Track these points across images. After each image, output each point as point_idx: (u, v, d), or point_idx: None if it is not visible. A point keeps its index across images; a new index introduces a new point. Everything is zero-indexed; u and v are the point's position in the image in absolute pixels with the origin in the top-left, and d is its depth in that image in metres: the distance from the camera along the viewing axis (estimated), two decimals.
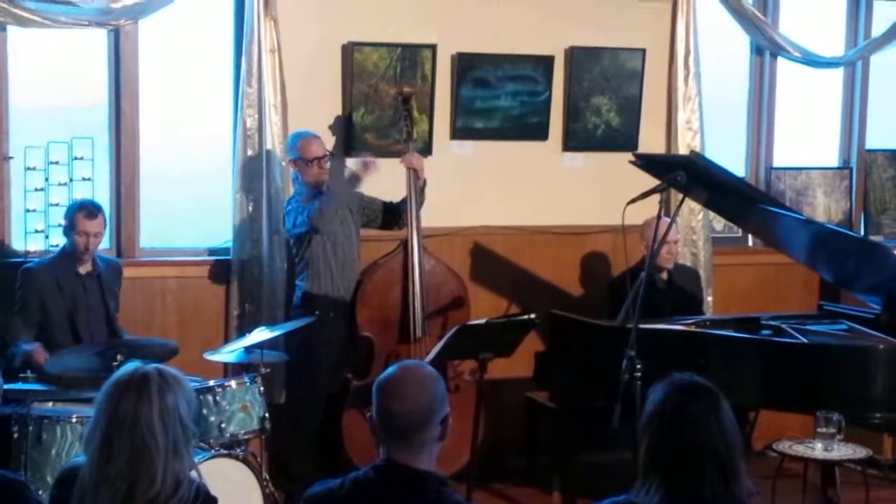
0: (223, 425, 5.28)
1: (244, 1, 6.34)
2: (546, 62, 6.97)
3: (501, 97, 6.91)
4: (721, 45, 7.57)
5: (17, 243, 6.19)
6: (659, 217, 5.29)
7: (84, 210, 5.63)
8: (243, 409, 5.36)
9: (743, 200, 5.91)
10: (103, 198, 6.21)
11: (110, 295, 5.78)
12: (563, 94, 7.07)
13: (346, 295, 6.19)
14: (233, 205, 6.46)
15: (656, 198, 5.26)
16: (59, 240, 5.98)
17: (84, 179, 6.20)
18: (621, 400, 4.86)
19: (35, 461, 4.83)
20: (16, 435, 4.86)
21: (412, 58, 6.68)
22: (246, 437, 5.42)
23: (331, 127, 6.60)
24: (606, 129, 7.17)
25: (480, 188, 6.98)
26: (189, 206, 6.68)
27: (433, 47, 6.71)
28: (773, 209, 5.87)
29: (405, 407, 2.93)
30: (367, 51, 6.60)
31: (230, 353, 5.64)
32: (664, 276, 6.61)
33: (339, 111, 6.65)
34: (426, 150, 6.75)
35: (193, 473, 3.09)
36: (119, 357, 4.86)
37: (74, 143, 6.20)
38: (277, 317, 6.33)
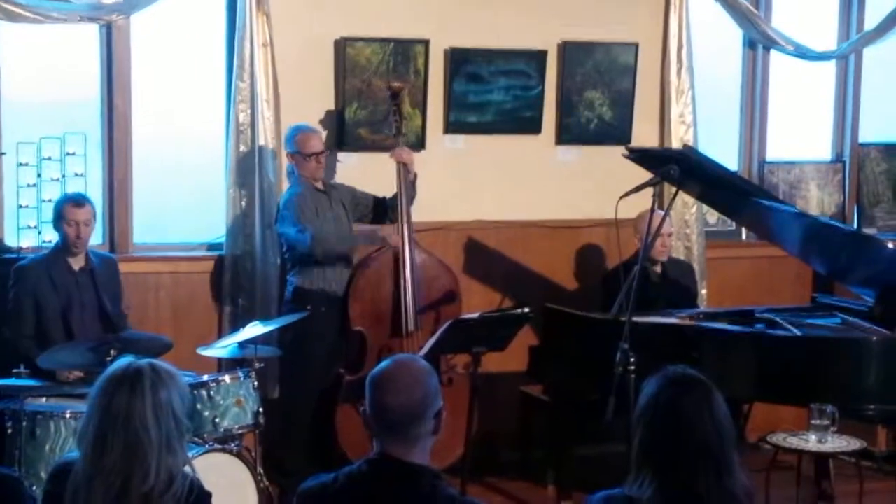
0: (217, 420, 5.29)
1: None
2: (539, 57, 6.96)
3: (494, 92, 6.90)
4: (714, 39, 7.57)
5: (10, 239, 6.18)
6: (652, 210, 5.30)
7: (71, 200, 5.64)
8: (237, 403, 5.37)
9: (736, 194, 5.92)
10: (96, 193, 6.20)
11: (107, 291, 5.76)
12: (557, 88, 7.06)
13: (338, 290, 6.18)
14: (226, 200, 6.46)
15: (650, 191, 5.27)
16: (51, 236, 5.98)
17: (76, 175, 6.19)
18: (615, 393, 4.87)
19: (29, 457, 4.83)
20: (9, 431, 4.86)
21: (405, 53, 6.67)
22: (240, 431, 5.42)
23: (323, 122, 6.60)
24: (599, 123, 7.17)
25: (474, 182, 6.97)
26: (182, 201, 6.67)
27: (426, 42, 6.71)
28: (766, 202, 5.87)
29: (399, 401, 2.93)
30: (360, 46, 6.59)
31: (224, 348, 5.64)
32: (658, 269, 6.61)
33: (331, 106, 6.64)
34: (419, 144, 6.75)
35: (187, 468, 3.09)
36: (112, 352, 4.85)
37: (67, 138, 6.19)
38: (271, 312, 6.32)
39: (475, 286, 6.95)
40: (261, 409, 5.45)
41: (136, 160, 6.47)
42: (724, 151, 7.47)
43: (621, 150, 6.08)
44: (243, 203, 6.44)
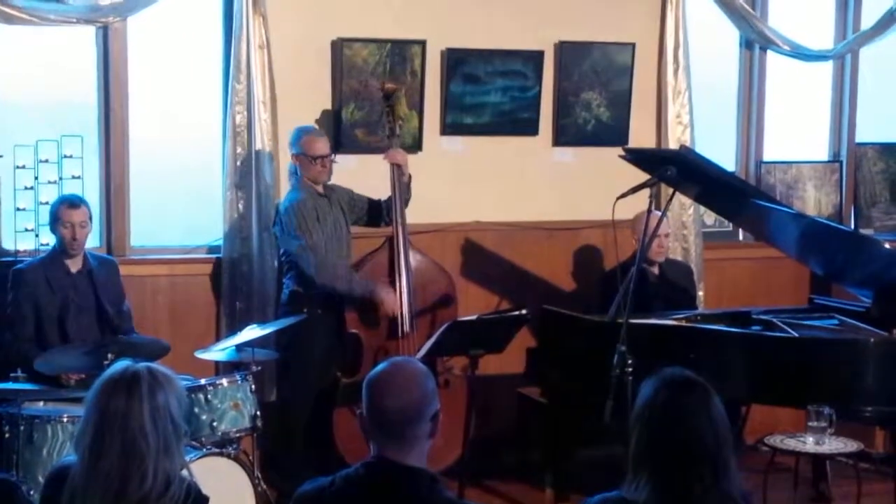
0: (215, 423, 5.28)
1: None
2: (535, 57, 6.96)
3: (491, 93, 6.90)
4: (710, 39, 7.57)
5: (7, 242, 6.17)
6: (649, 211, 5.29)
7: (66, 202, 5.64)
8: (235, 407, 5.36)
9: (733, 194, 5.92)
10: (93, 196, 6.19)
11: (106, 293, 5.75)
12: (553, 89, 7.06)
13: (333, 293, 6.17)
14: (223, 202, 6.46)
15: (647, 192, 5.26)
16: (48, 239, 5.97)
17: (74, 177, 6.18)
18: (613, 395, 4.86)
19: (26, 461, 4.83)
20: (7, 435, 4.85)
21: (401, 54, 6.67)
22: (237, 435, 5.41)
23: (320, 123, 6.59)
24: (596, 124, 7.17)
25: (471, 184, 6.97)
26: (179, 204, 6.67)
27: (423, 43, 6.71)
28: (763, 203, 5.87)
29: (395, 403, 2.93)
30: (357, 47, 6.59)
31: (221, 351, 5.64)
32: (656, 270, 6.61)
33: (328, 107, 6.64)
34: (416, 146, 6.75)
35: (185, 472, 3.09)
36: (110, 356, 4.84)
37: (64, 140, 6.18)
38: (268, 314, 6.32)
39: (473, 288, 6.95)
40: (258, 413, 5.44)
41: (133, 162, 6.47)
42: (721, 152, 7.48)
43: (618, 151, 6.07)
44: (240, 205, 6.44)
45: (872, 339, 5.53)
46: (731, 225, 7.56)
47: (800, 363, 5.48)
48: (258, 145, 6.39)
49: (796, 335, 5.64)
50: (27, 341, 5.59)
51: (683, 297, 6.70)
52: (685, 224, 7.30)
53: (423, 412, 2.97)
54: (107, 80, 6.37)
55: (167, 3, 6.33)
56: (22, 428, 4.82)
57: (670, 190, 5.71)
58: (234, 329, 6.11)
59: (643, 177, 5.42)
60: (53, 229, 5.68)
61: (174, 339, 5.68)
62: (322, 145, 6.16)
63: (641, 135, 7.23)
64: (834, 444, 5.39)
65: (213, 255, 6.55)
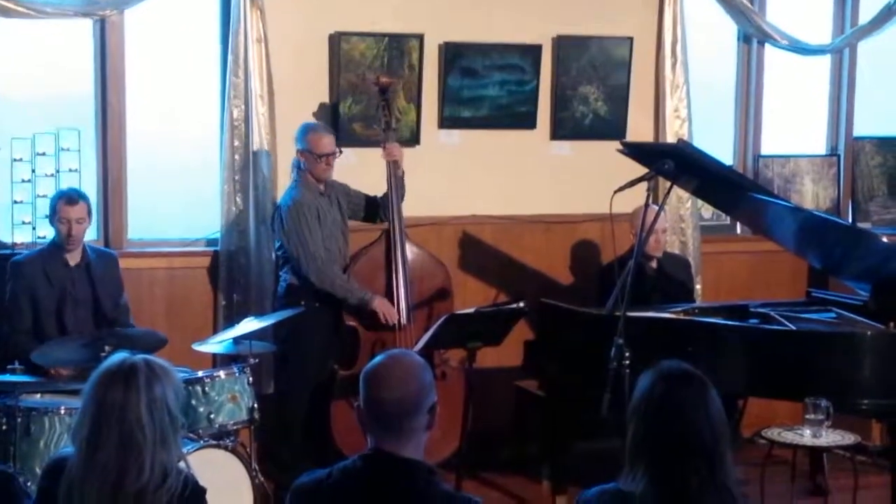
0: (212, 416, 5.28)
1: None
2: (533, 51, 6.96)
3: (489, 86, 6.90)
4: (708, 34, 7.57)
5: (4, 235, 6.17)
6: (647, 205, 5.29)
7: (65, 197, 5.64)
8: (232, 399, 5.36)
9: (731, 188, 5.92)
10: (90, 189, 6.19)
11: (104, 287, 5.75)
12: (551, 82, 7.06)
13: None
14: (220, 195, 6.46)
15: (644, 186, 5.26)
16: (46, 231, 5.98)
17: (71, 170, 6.18)
18: (610, 388, 4.87)
19: (23, 453, 4.82)
20: (4, 427, 4.84)
21: (399, 47, 6.67)
22: (235, 427, 5.42)
23: (317, 117, 6.59)
24: (594, 118, 7.17)
25: (469, 177, 6.97)
26: (177, 197, 6.67)
27: (420, 37, 6.71)
28: (761, 197, 5.87)
29: (393, 395, 2.93)
30: (355, 40, 6.59)
31: (219, 343, 5.64)
32: (653, 264, 6.61)
33: (325, 101, 6.64)
34: (414, 139, 6.76)
35: (182, 464, 3.09)
36: (107, 348, 4.85)
37: (61, 133, 6.18)
38: (265, 307, 6.33)
39: (470, 281, 6.95)
40: (256, 405, 5.45)
41: (131, 156, 6.47)
42: (719, 146, 7.48)
43: (616, 144, 6.07)
44: (238, 199, 6.44)
45: (870, 333, 5.53)
46: (728, 218, 7.56)
47: (797, 356, 5.49)
48: (256, 139, 6.38)
49: (794, 328, 5.64)
50: (24, 333, 5.60)
51: (681, 290, 6.70)
52: (683, 218, 7.31)
53: (421, 404, 2.97)
54: (104, 73, 6.36)
55: None
56: (19, 420, 4.82)
57: (668, 184, 5.70)
58: (231, 321, 6.13)
59: (641, 171, 5.41)
60: (52, 223, 5.68)
61: (171, 332, 5.70)
62: (328, 142, 6.14)
63: (639, 129, 7.23)
64: (831, 437, 5.39)
65: (211, 248, 6.55)
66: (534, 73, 6.97)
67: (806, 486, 6.29)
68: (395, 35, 6.66)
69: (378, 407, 2.96)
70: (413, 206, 6.44)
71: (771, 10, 7.63)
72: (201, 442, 5.13)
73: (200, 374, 5.37)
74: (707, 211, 7.51)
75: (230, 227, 6.45)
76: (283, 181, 6.39)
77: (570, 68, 7.07)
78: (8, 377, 4.90)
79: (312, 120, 6.51)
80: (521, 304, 5.88)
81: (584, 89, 7.12)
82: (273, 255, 6.40)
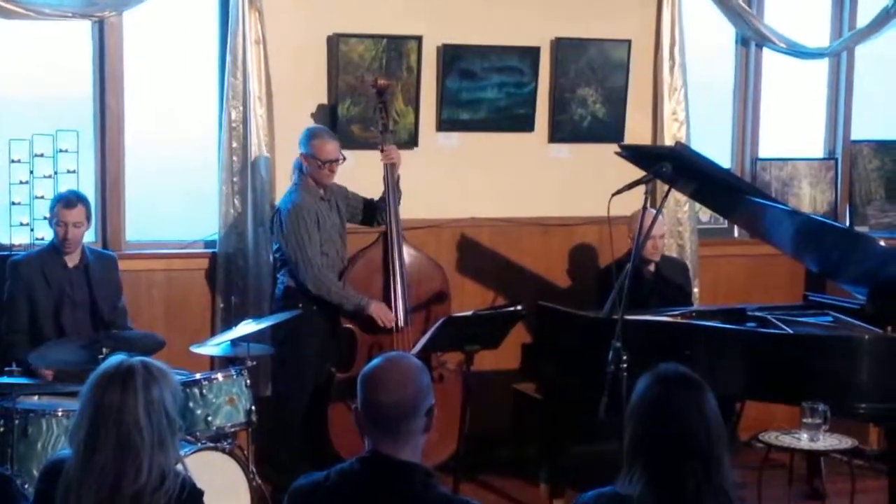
0: (210, 418, 5.28)
1: None
2: (532, 53, 6.96)
3: (487, 88, 6.91)
4: (706, 36, 7.57)
5: (2, 236, 6.17)
6: (644, 208, 5.29)
7: (63, 200, 5.64)
8: (230, 401, 5.36)
9: (729, 191, 5.92)
10: (88, 191, 6.18)
11: (102, 289, 5.75)
12: (549, 85, 7.07)
13: None
14: (218, 197, 6.45)
15: (642, 189, 5.26)
16: (44, 233, 5.99)
17: (69, 172, 6.18)
18: (607, 391, 4.87)
19: (21, 455, 4.82)
20: (1, 429, 4.84)
21: (398, 49, 6.67)
22: (232, 429, 5.42)
23: (316, 119, 6.59)
24: (592, 121, 7.17)
25: (467, 180, 6.98)
26: (175, 199, 6.67)
27: (419, 39, 6.71)
28: (758, 200, 5.88)
29: (390, 398, 2.93)
30: (353, 42, 6.59)
31: (216, 345, 5.63)
32: (651, 268, 6.61)
33: (324, 103, 6.64)
34: (412, 141, 6.76)
35: (179, 466, 3.09)
36: (105, 350, 4.85)
37: (59, 135, 6.18)
38: (263, 309, 6.32)
39: (468, 284, 6.95)
40: (253, 407, 5.44)
41: (129, 157, 6.47)
42: (717, 149, 7.48)
43: (614, 147, 6.08)
44: (236, 201, 6.44)
45: (867, 337, 5.54)
46: (726, 222, 7.57)
47: (794, 360, 5.49)
48: (254, 141, 6.38)
49: (791, 332, 5.64)
50: (21, 334, 5.60)
51: (679, 294, 6.70)
52: (680, 221, 7.31)
53: (418, 407, 2.97)
54: (102, 74, 6.36)
55: None
56: (16, 422, 4.81)
57: (666, 187, 5.71)
58: (229, 324, 6.12)
59: (639, 173, 5.42)
60: (50, 224, 5.69)
61: (169, 334, 5.69)
62: (333, 149, 6.12)
63: (637, 132, 7.24)
64: (828, 441, 5.40)
65: (209, 250, 6.55)
66: (532, 75, 6.97)
67: (803, 489, 6.29)
68: (393, 37, 6.66)
69: (375, 409, 2.95)
70: (411, 209, 6.44)
71: (769, 13, 7.63)
72: (199, 444, 5.12)
73: (198, 376, 5.36)
74: (705, 214, 7.52)
75: (228, 229, 6.45)
76: (282, 183, 6.39)
77: (569, 70, 7.08)
78: (5, 379, 4.90)
79: (310, 122, 6.52)
80: (519, 307, 5.88)
81: (583, 92, 7.12)
82: (271, 258, 6.39)
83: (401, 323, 6.18)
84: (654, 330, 5.81)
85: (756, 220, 6.33)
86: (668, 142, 7.13)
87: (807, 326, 5.84)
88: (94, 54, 6.37)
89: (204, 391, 5.29)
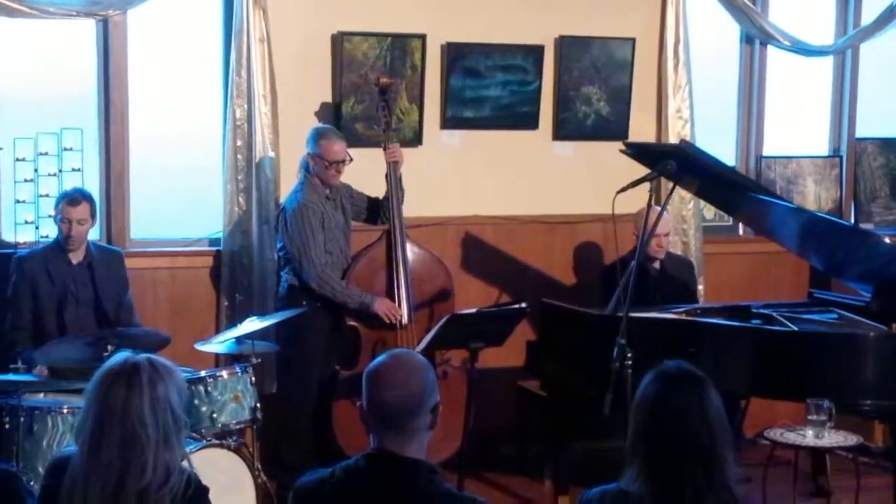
0: (215, 415, 5.29)
1: None
2: (536, 51, 6.96)
3: (491, 87, 6.91)
4: (711, 34, 7.57)
5: (7, 234, 6.18)
6: (649, 206, 5.29)
7: (67, 198, 5.65)
8: (235, 399, 5.37)
9: (733, 189, 5.92)
10: (93, 189, 6.18)
11: (107, 285, 5.75)
12: (553, 83, 7.07)
13: None
14: (223, 195, 6.46)
15: (647, 187, 5.27)
16: (49, 231, 5.99)
17: (74, 170, 6.19)
18: (612, 388, 4.87)
19: (26, 452, 4.83)
20: (7, 426, 4.85)
21: (402, 47, 6.67)
22: (238, 427, 5.42)
23: (320, 117, 6.59)
24: (597, 119, 7.17)
25: (471, 178, 6.98)
26: (179, 197, 6.67)
27: (423, 37, 6.71)
28: (763, 198, 5.87)
29: (395, 394, 2.93)
30: (357, 40, 6.59)
31: (221, 343, 5.64)
32: (657, 265, 6.61)
33: (328, 101, 6.64)
34: (416, 140, 6.76)
35: (185, 463, 3.09)
36: (110, 347, 4.86)
37: (64, 133, 6.19)
38: (268, 307, 6.33)
39: (472, 281, 6.96)
40: (258, 405, 5.45)
41: (133, 155, 6.47)
42: (722, 147, 7.48)
43: (618, 145, 6.09)
44: (241, 199, 6.44)
45: (872, 334, 5.54)
46: (730, 219, 7.57)
47: (799, 357, 5.49)
48: (258, 139, 6.39)
49: (796, 329, 5.64)
50: (23, 330, 5.61)
51: (684, 291, 6.69)
52: (685, 218, 7.31)
53: (423, 404, 2.97)
54: (107, 73, 6.36)
55: None
56: (22, 419, 4.82)
57: (670, 185, 5.71)
58: (234, 321, 6.13)
59: (643, 171, 5.42)
60: (55, 221, 5.70)
61: (174, 332, 5.69)
62: (339, 149, 6.12)
63: (641, 130, 7.23)
64: (833, 438, 5.39)
65: (214, 248, 6.56)
66: (536, 73, 6.97)
67: (808, 487, 6.29)
68: (397, 35, 6.67)
69: (381, 407, 2.96)
70: (415, 207, 6.44)
71: (773, 11, 7.63)
72: (204, 441, 5.13)
73: (203, 373, 5.38)
74: (709, 212, 7.51)
75: (233, 228, 6.45)
76: (286, 181, 6.39)
77: (573, 69, 7.08)
78: (11, 376, 4.90)
79: (315, 120, 6.52)
80: (524, 305, 5.88)
81: (587, 90, 7.12)
82: (275, 256, 6.40)
83: (405, 320, 6.18)
84: (658, 327, 5.81)
85: (761, 217, 6.33)
86: (673, 140, 7.13)
87: (812, 324, 5.84)
88: (99, 53, 6.38)
89: (209, 388, 5.30)
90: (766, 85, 7.71)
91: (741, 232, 7.70)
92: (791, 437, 5.46)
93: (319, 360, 6.16)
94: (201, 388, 5.28)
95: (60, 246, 5.70)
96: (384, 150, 6.26)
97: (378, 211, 6.37)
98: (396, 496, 2.94)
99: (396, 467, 2.95)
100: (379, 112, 6.34)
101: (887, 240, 5.80)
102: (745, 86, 7.70)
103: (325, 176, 6.11)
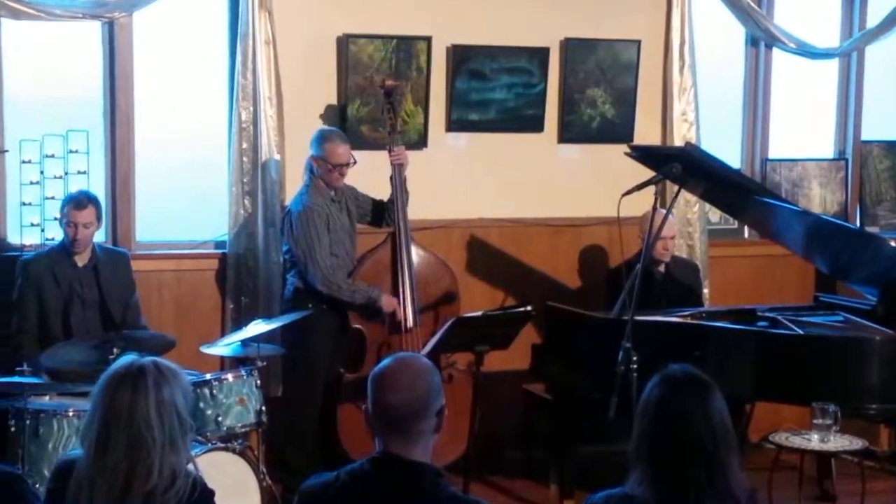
0: (220, 419, 5.28)
1: None
2: (541, 54, 6.96)
3: (496, 89, 6.91)
4: (716, 36, 7.57)
5: (13, 237, 6.19)
6: (654, 209, 5.29)
7: (73, 201, 5.66)
8: (240, 402, 5.37)
9: (738, 192, 5.92)
10: (99, 191, 6.18)
11: (112, 287, 5.75)
12: (559, 85, 7.07)
13: None
14: (229, 198, 6.46)
15: (652, 189, 5.27)
16: (54, 233, 6.00)
17: (79, 173, 6.20)
18: (617, 392, 4.87)
19: (32, 455, 4.83)
20: (13, 429, 4.86)
21: (407, 50, 6.67)
22: (243, 430, 5.42)
23: (325, 119, 6.60)
24: (602, 121, 7.17)
25: (476, 180, 6.97)
26: (185, 200, 6.67)
27: (428, 39, 6.71)
28: (768, 200, 5.87)
29: (401, 398, 2.92)
30: (363, 43, 6.59)
31: (227, 346, 5.64)
32: (662, 268, 6.61)
33: (333, 103, 6.64)
34: (421, 142, 6.76)
35: (190, 466, 3.09)
36: (116, 350, 4.86)
37: (70, 136, 6.20)
38: (273, 310, 6.32)
39: (478, 284, 6.95)
40: (263, 408, 5.45)
41: (139, 158, 6.48)
42: (727, 149, 7.47)
43: (624, 148, 6.08)
44: (246, 202, 6.44)
45: (878, 337, 5.53)
46: (736, 222, 7.56)
47: (805, 361, 5.49)
48: (264, 141, 6.39)
49: (802, 333, 5.64)
50: (28, 333, 5.61)
51: (689, 294, 6.70)
52: (690, 221, 7.30)
53: (429, 407, 2.96)
54: (112, 75, 6.37)
55: None
56: (28, 422, 4.82)
57: (675, 187, 5.70)
58: (239, 324, 6.12)
59: (648, 174, 5.42)
60: (61, 224, 5.70)
61: (180, 334, 5.69)
62: (343, 152, 6.12)
63: (647, 132, 7.23)
64: (839, 442, 5.39)
65: (219, 251, 6.56)
66: (541, 75, 6.97)
67: (814, 491, 6.28)
68: (402, 37, 6.67)
69: (386, 410, 2.95)
70: (420, 210, 6.44)
71: (779, 14, 7.63)
72: (209, 445, 5.13)
73: (209, 376, 5.37)
74: (714, 215, 7.51)
75: (238, 230, 6.45)
76: (292, 183, 6.39)
77: (578, 71, 7.08)
78: (17, 379, 4.90)
79: (320, 122, 6.52)
80: (529, 308, 5.88)
81: (592, 92, 7.12)
82: (281, 258, 6.40)
83: (409, 323, 6.18)
84: (664, 330, 5.81)
85: (766, 220, 6.32)
86: (678, 142, 7.12)
87: (817, 327, 5.84)
88: (105, 55, 6.38)
89: (214, 391, 5.30)
90: (771, 87, 7.70)
91: (746, 235, 7.70)
92: (796, 441, 5.46)
93: (324, 362, 6.16)
94: (206, 391, 5.28)
95: (66, 249, 5.70)
96: (389, 152, 6.27)
97: (383, 213, 6.37)
98: (402, 500, 2.94)
99: (402, 471, 2.94)
100: (384, 114, 6.34)
101: (893, 243, 5.80)
102: (751, 88, 7.69)
103: (329, 179, 6.12)
